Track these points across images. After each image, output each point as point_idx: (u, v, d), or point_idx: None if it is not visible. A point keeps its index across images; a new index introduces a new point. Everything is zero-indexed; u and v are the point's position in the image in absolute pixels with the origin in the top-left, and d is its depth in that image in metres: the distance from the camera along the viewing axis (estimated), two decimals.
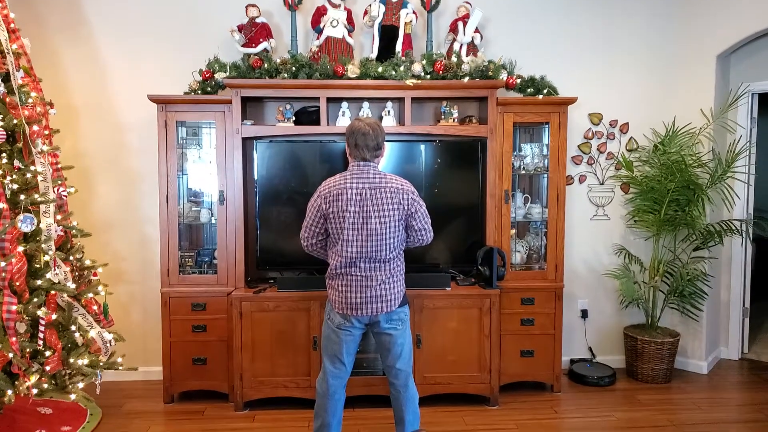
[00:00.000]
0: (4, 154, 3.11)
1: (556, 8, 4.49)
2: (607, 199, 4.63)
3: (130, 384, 4.25)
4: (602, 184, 4.62)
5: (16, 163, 3.17)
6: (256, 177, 3.99)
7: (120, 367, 3.50)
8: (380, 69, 3.90)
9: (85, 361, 3.24)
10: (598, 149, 4.60)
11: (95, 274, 3.61)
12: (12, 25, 3.27)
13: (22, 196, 3.09)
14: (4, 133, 3.03)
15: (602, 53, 4.54)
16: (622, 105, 4.58)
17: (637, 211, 4.47)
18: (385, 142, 3.01)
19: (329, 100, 3.99)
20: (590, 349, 4.70)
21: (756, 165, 4.82)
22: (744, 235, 4.58)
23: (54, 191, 3.28)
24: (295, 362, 3.85)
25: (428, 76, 3.97)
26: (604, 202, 4.63)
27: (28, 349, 2.98)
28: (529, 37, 4.47)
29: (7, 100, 3.09)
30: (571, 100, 4.11)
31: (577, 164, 4.59)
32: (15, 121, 3.07)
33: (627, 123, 4.59)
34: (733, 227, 4.39)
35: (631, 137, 4.61)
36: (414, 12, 4.09)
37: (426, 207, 3.05)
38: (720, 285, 4.81)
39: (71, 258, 3.44)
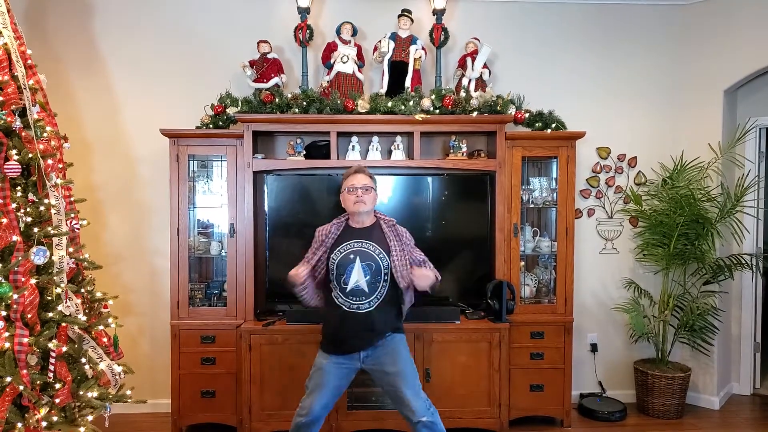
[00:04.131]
0: (18, 188, 3.14)
1: (564, 45, 4.54)
2: (616, 233, 4.63)
3: (139, 416, 4.23)
4: (611, 217, 4.63)
5: (31, 196, 3.20)
6: (266, 210, 4.02)
7: (129, 400, 3.47)
8: (390, 104, 3.95)
9: (95, 393, 3.22)
10: (606, 183, 4.61)
11: (106, 307, 3.61)
12: (29, 61, 3.33)
13: (36, 229, 3.11)
14: (19, 166, 3.07)
15: (610, 88, 4.58)
16: (630, 139, 4.61)
17: (646, 244, 4.46)
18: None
19: (339, 134, 4.04)
20: (600, 383, 4.65)
21: (765, 199, 4.81)
22: (754, 269, 4.56)
23: (67, 224, 3.31)
24: (303, 395, 3.82)
25: (437, 111, 4.01)
26: (612, 236, 4.63)
27: (38, 382, 2.97)
28: (537, 73, 4.52)
29: (23, 134, 3.13)
30: (580, 135, 4.15)
31: (585, 198, 4.60)
32: (30, 155, 3.11)
33: (635, 157, 4.61)
34: (744, 261, 4.38)
35: (640, 171, 4.63)
36: (423, 48, 4.16)
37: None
38: (731, 319, 4.77)
39: (82, 290, 3.45)
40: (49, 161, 3.21)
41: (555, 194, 4.22)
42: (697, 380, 4.59)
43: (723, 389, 4.68)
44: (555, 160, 4.21)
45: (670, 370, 4.37)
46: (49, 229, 3.15)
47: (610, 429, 4.20)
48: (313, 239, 3.13)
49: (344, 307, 2.97)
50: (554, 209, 4.26)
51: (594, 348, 4.64)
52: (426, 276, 2.91)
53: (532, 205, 4.32)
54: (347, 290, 2.96)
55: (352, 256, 2.98)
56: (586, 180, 4.60)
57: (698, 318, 4.34)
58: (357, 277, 2.95)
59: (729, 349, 4.81)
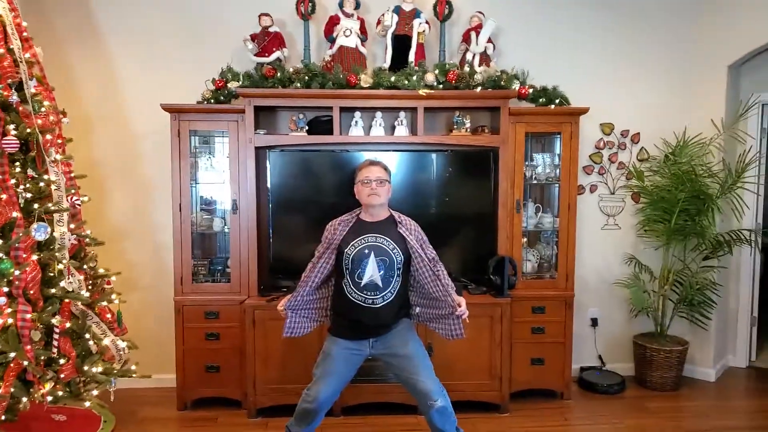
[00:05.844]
0: (17, 163, 3.12)
1: (569, 20, 4.49)
2: (618, 209, 4.64)
3: (144, 391, 4.25)
4: (613, 193, 4.63)
5: (30, 172, 3.17)
6: (269, 186, 4.00)
7: (134, 375, 3.50)
8: (393, 79, 3.91)
9: (99, 368, 3.24)
10: (609, 159, 4.61)
11: (109, 283, 3.62)
12: (25, 34, 3.27)
13: (36, 205, 3.09)
14: (18, 142, 3.03)
15: (614, 64, 4.54)
16: (634, 115, 4.58)
17: (648, 220, 4.48)
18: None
19: (342, 109, 3.99)
20: (600, 357, 4.70)
21: (766, 175, 4.82)
22: (753, 244, 4.59)
23: (67, 200, 3.29)
24: (307, 370, 3.80)
25: (441, 86, 3.97)
26: (614, 212, 4.64)
27: (42, 357, 2.99)
28: (541, 48, 4.47)
29: (21, 109, 3.09)
30: (583, 110, 4.12)
31: (588, 174, 4.60)
32: (28, 130, 3.08)
33: (638, 133, 4.60)
34: (743, 237, 4.40)
35: (642, 147, 4.62)
36: (427, 22, 4.10)
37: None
38: (729, 294, 4.81)
39: (85, 266, 3.44)
40: (48, 136, 3.19)
41: (558, 170, 4.21)
42: (695, 353, 4.64)
43: (719, 362, 4.75)
44: (558, 136, 4.18)
45: (668, 343, 4.42)
46: (50, 205, 3.13)
47: (608, 401, 4.26)
48: (323, 234, 3.09)
49: (358, 301, 2.93)
50: (557, 185, 4.25)
51: (594, 322, 4.68)
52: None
53: (534, 182, 4.32)
54: (361, 285, 2.92)
55: (366, 251, 2.92)
56: (589, 156, 4.59)
57: (697, 293, 4.38)
58: (371, 272, 2.90)
59: (726, 323, 4.86)
